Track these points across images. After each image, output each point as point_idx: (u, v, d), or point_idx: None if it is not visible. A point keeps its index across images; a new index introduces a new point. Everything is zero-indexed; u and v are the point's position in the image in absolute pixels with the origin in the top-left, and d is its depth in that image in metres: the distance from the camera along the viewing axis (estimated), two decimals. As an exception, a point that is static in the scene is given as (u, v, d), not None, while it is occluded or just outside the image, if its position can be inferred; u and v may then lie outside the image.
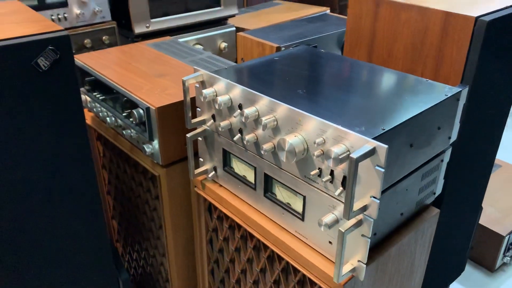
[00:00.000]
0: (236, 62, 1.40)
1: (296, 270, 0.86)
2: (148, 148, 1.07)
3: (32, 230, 0.92)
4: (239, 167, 0.95)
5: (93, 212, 0.99)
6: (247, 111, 0.81)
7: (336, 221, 0.75)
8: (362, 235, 0.72)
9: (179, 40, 1.54)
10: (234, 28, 1.81)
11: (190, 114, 0.94)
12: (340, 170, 0.71)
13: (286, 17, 1.96)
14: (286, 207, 0.85)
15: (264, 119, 0.78)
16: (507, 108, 1.25)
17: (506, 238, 1.67)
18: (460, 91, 0.83)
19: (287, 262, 0.88)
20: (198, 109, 0.97)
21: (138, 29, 1.55)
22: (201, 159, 1.03)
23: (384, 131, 0.69)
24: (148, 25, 1.56)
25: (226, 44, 1.79)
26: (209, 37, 1.75)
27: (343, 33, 1.47)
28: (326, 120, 0.71)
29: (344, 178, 0.71)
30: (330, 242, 0.79)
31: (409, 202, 0.86)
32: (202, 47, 1.73)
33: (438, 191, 0.95)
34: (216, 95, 0.90)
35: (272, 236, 0.89)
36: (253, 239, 0.96)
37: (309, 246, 0.84)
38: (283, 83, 0.88)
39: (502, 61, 1.10)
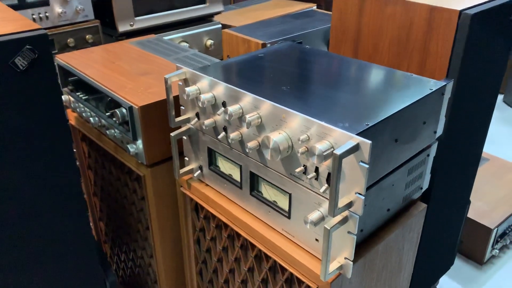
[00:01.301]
0: (222, 59, 1.38)
1: (283, 269, 0.85)
2: (132, 148, 1.05)
3: (16, 232, 0.90)
4: (224, 166, 0.94)
5: (77, 213, 0.97)
6: (231, 108, 0.80)
7: (322, 219, 0.74)
8: (348, 232, 0.72)
9: (164, 38, 1.52)
10: (220, 25, 1.79)
11: (173, 113, 0.93)
12: (325, 167, 0.70)
13: (273, 14, 1.95)
14: (272, 205, 0.84)
15: (248, 117, 0.77)
16: (493, 100, 1.26)
17: (494, 231, 1.67)
18: (445, 85, 0.83)
19: (275, 261, 0.87)
20: (182, 107, 0.95)
21: (122, 28, 1.52)
22: (186, 158, 1.02)
23: (368, 126, 0.68)
24: (132, 23, 1.54)
25: (212, 41, 1.77)
26: (194, 35, 1.73)
27: (329, 28, 1.46)
28: (310, 117, 0.70)
29: (329, 175, 0.70)
30: (316, 240, 0.78)
31: (396, 198, 0.86)
32: (188, 44, 1.72)
33: (425, 186, 0.94)
34: (200, 93, 0.88)
35: (259, 235, 0.88)
36: (240, 238, 0.95)
37: (296, 244, 0.83)
38: (268, 80, 0.87)
39: (486, 54, 1.10)
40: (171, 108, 0.92)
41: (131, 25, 1.54)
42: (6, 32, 0.82)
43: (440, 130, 0.88)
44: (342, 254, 0.75)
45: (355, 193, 0.68)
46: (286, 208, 0.82)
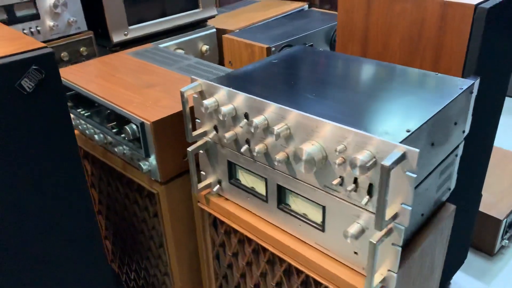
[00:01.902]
0: (222, 65, 1.34)
1: (317, 283, 0.82)
2: (144, 166, 1.00)
3: (25, 256, 0.85)
4: (246, 179, 0.90)
5: (90, 236, 0.92)
6: (256, 120, 0.76)
7: (362, 231, 0.71)
8: (393, 244, 0.68)
9: (159, 46, 1.47)
10: (214, 30, 1.75)
11: (190, 127, 0.88)
12: (365, 178, 0.67)
13: (266, 15, 1.91)
14: (304, 219, 0.81)
15: (276, 128, 0.73)
16: (504, 93, 1.24)
17: (504, 221, 1.67)
18: (473, 83, 0.80)
19: (307, 275, 0.84)
20: (197, 120, 0.91)
21: (116, 38, 1.47)
22: (203, 173, 0.98)
23: (410, 133, 0.65)
24: (126, 32, 1.48)
25: (207, 46, 1.73)
26: (189, 41, 1.68)
27: (331, 28, 1.43)
28: (346, 126, 0.66)
29: (370, 185, 0.67)
30: (355, 253, 0.75)
31: (429, 202, 0.83)
32: (183, 51, 1.67)
33: (453, 186, 0.92)
34: (218, 105, 0.84)
35: (289, 249, 0.84)
36: (266, 253, 0.91)
37: (331, 257, 0.79)
38: (289, 87, 0.83)
39: (500, 47, 1.08)
40: (188, 122, 0.88)
41: (125, 35, 1.49)
42: (9, 52, 0.77)
43: (467, 129, 0.86)
44: (384, 266, 0.71)
45: (401, 204, 0.64)
46: (319, 221, 0.79)
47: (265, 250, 0.91)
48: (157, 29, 1.57)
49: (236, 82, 0.87)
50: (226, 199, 0.96)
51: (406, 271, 0.81)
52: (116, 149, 1.07)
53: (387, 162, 0.59)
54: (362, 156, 0.63)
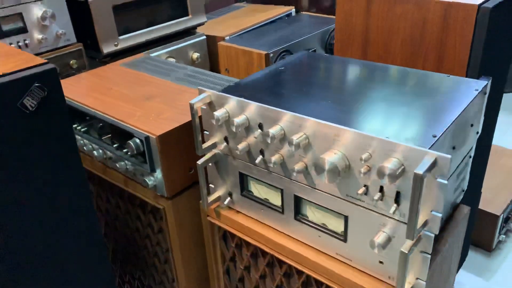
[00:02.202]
0: (218, 72, 1.31)
1: (340, 294, 0.80)
2: (150, 181, 0.97)
3: (35, 278, 0.81)
4: (259, 191, 0.87)
5: (98, 259, 0.89)
6: (272, 130, 0.74)
7: (389, 240, 0.69)
8: (421, 252, 0.67)
9: (151, 55, 1.43)
10: (204, 37, 1.72)
11: (200, 139, 0.85)
12: (392, 186, 0.65)
13: (255, 20, 1.89)
14: (323, 229, 0.79)
15: (295, 138, 0.71)
16: (501, 91, 1.25)
17: (501, 217, 1.69)
18: (487, 83, 0.80)
19: (327, 286, 0.82)
20: (205, 132, 0.88)
21: (107, 49, 1.42)
22: (211, 186, 0.95)
23: (437, 138, 0.64)
24: (116, 43, 1.44)
25: (198, 54, 1.70)
26: (180, 49, 1.65)
27: (325, 32, 1.42)
28: (369, 133, 0.65)
29: (398, 194, 0.65)
30: (380, 262, 0.73)
31: (447, 205, 0.82)
32: (174, 60, 1.63)
33: (465, 187, 0.92)
34: (229, 116, 0.81)
35: (308, 261, 0.82)
36: (282, 265, 0.89)
37: (354, 267, 0.77)
38: (302, 95, 0.81)
39: (499, 46, 1.08)
40: (198, 135, 0.85)
41: (116, 45, 1.45)
42: (8, 70, 0.72)
43: (480, 130, 0.86)
44: (413, 274, 0.70)
45: (431, 211, 0.63)
46: (340, 231, 0.77)
47: (280, 262, 0.89)
48: (148, 38, 1.54)
49: (246, 91, 0.84)
50: (237, 211, 0.94)
51: (429, 277, 0.80)
52: (117, 165, 1.03)
53: (420, 170, 0.57)
54: (390, 164, 0.62)
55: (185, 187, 1.00)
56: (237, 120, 0.78)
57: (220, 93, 0.81)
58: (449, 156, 0.58)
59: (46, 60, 0.76)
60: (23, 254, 0.78)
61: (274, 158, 0.77)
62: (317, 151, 0.72)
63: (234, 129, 0.79)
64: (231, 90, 0.85)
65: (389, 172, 0.62)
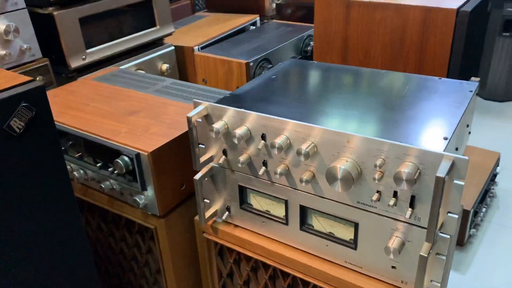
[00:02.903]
0: (194, 83, 1.28)
1: (350, 303, 0.79)
2: (141, 200, 0.92)
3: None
4: (259, 203, 0.85)
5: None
6: (279, 141, 0.72)
7: (403, 244, 0.69)
8: (437, 254, 0.67)
9: (121, 68, 1.38)
10: (173, 48, 1.68)
11: (198, 154, 0.82)
12: (406, 190, 0.65)
13: (221, 29, 1.87)
14: (332, 238, 0.77)
15: (304, 148, 0.69)
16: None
17: (471, 212, 1.75)
18: (478, 84, 0.82)
19: (337, 296, 0.80)
20: (201, 146, 0.85)
21: (75, 63, 1.35)
22: (207, 201, 0.91)
23: (448, 140, 0.64)
24: (84, 56, 1.38)
25: (167, 65, 1.65)
26: (149, 61, 1.60)
27: (299, 40, 1.42)
28: (383, 139, 0.64)
29: (412, 198, 0.65)
30: (393, 267, 0.73)
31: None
32: (144, 72, 1.58)
33: (457, 186, 0.93)
34: (228, 128, 0.79)
35: (316, 271, 0.81)
36: (286, 278, 0.87)
37: (365, 274, 0.77)
38: (302, 102, 0.80)
39: (474, 45, 1.13)
40: (195, 149, 0.82)
41: (84, 59, 1.38)
42: (-10, 89, 0.66)
43: (470, 129, 0.88)
44: (428, 277, 0.70)
45: (447, 213, 0.63)
46: (348, 239, 0.76)
47: (284, 274, 0.87)
48: (116, 51, 1.48)
49: (244, 102, 0.82)
50: (235, 226, 0.91)
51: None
52: (102, 185, 0.98)
53: (441, 174, 0.57)
54: (407, 169, 0.62)
55: (176, 204, 0.96)
56: (239, 131, 0.76)
57: (218, 105, 0.78)
58: (466, 158, 0.59)
59: (31, 78, 0.70)
60: (10, 271, 0.71)
61: (280, 168, 0.75)
62: (325, 159, 0.71)
63: (236, 141, 0.76)
64: (227, 101, 0.82)
65: (407, 177, 0.61)
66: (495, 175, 2.00)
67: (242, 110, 0.76)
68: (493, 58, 2.77)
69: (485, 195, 1.93)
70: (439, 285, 0.69)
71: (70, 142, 1.01)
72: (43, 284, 0.74)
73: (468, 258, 1.77)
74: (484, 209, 1.92)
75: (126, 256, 1.11)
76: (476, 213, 1.86)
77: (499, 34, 2.68)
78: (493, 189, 2.02)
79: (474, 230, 1.83)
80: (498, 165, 2.02)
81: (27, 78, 0.70)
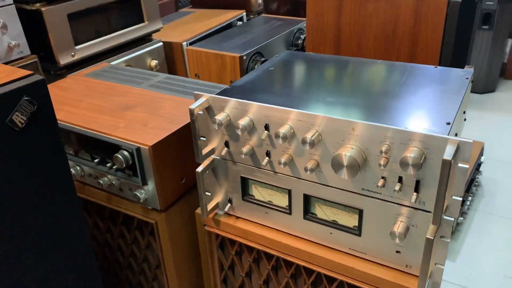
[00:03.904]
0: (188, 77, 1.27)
1: (354, 289, 0.80)
2: (141, 194, 0.92)
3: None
4: (261, 193, 0.85)
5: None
6: (283, 130, 0.73)
7: (407, 229, 0.70)
8: (441, 237, 0.69)
9: (112, 64, 1.36)
10: (161, 43, 1.67)
11: (200, 146, 0.82)
12: (411, 175, 0.67)
13: (209, 25, 1.87)
14: (336, 226, 0.78)
15: (309, 136, 0.70)
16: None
17: (459, 200, 1.79)
18: (473, 72, 0.84)
19: (341, 282, 0.81)
20: (202, 138, 0.85)
21: (64, 60, 1.33)
22: (208, 193, 0.91)
23: (451, 125, 0.66)
24: (73, 53, 1.36)
25: (156, 61, 1.64)
26: (138, 57, 1.59)
27: (290, 33, 1.43)
28: (389, 125, 0.65)
29: (417, 182, 0.67)
30: (397, 252, 0.74)
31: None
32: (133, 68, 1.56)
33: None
34: (230, 120, 0.79)
35: (320, 259, 0.81)
36: (289, 268, 0.87)
37: (369, 260, 0.78)
38: (303, 93, 0.81)
39: (463, 35, 1.15)
40: (197, 141, 0.81)
41: (73, 56, 1.36)
42: (-9, 84, 0.65)
43: (465, 116, 0.90)
44: (432, 260, 0.72)
45: (452, 196, 0.65)
46: (352, 225, 0.77)
47: (287, 264, 0.88)
48: (105, 47, 1.46)
49: (244, 93, 0.82)
50: (237, 217, 0.91)
51: (436, 262, 0.82)
52: (100, 181, 0.97)
53: (448, 157, 0.59)
54: (412, 154, 0.63)
55: (177, 198, 0.96)
56: (242, 122, 0.76)
57: (220, 96, 0.79)
58: (470, 140, 0.60)
59: (32, 72, 0.69)
60: (10, 268, 0.70)
61: (284, 158, 0.76)
62: (329, 147, 0.72)
63: (239, 132, 0.76)
64: (228, 93, 0.82)
65: (413, 162, 0.63)
66: (479, 165, 2.05)
67: (245, 101, 0.77)
68: (473, 51, 2.83)
69: (471, 184, 1.97)
70: (443, 267, 0.71)
71: (66, 139, 0.99)
72: (44, 281, 0.73)
73: (457, 246, 1.81)
74: (470, 198, 1.96)
75: (124, 252, 1.10)
76: (463, 202, 1.90)
77: (478, 28, 2.74)
78: (478, 178, 2.06)
79: (461, 218, 1.87)
80: (482, 155, 2.06)
81: (27, 72, 0.69)
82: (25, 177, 0.68)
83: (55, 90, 1.13)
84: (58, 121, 0.97)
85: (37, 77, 0.68)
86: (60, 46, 1.32)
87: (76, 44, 1.37)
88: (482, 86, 2.93)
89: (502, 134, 2.51)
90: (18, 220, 0.68)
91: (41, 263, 0.73)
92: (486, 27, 2.73)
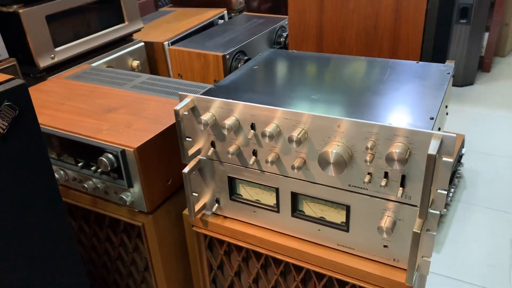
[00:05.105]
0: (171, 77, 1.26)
1: (343, 284, 0.81)
2: (127, 197, 0.91)
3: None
4: (249, 192, 0.86)
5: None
6: (269, 129, 0.73)
7: (394, 223, 0.71)
8: (427, 230, 0.70)
9: (93, 65, 1.35)
10: (142, 44, 1.65)
11: (186, 147, 0.82)
12: (396, 171, 0.68)
13: (190, 24, 1.86)
14: (324, 223, 0.79)
15: (295, 134, 0.70)
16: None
17: (442, 192, 1.82)
18: (454, 67, 0.85)
19: (330, 278, 0.82)
20: (188, 139, 0.85)
21: (43, 62, 1.31)
22: (195, 194, 0.91)
23: (434, 120, 0.67)
24: (53, 55, 1.33)
25: (138, 62, 1.62)
26: (119, 57, 1.57)
27: (271, 31, 1.43)
28: (374, 121, 0.66)
29: (403, 177, 0.67)
30: (385, 246, 0.75)
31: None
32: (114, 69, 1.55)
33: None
34: (216, 120, 0.79)
35: (309, 255, 0.82)
36: (278, 266, 0.88)
37: (357, 256, 0.79)
38: (288, 91, 0.81)
39: (444, 31, 1.17)
40: (184, 142, 0.81)
41: (52, 58, 1.34)
42: (-31, 89, 0.64)
43: (447, 110, 0.91)
44: (419, 253, 0.73)
45: (437, 190, 0.66)
46: (339, 221, 0.78)
47: (276, 262, 0.88)
48: (85, 49, 1.44)
49: (229, 93, 0.82)
50: (225, 217, 0.91)
51: (422, 254, 0.84)
52: (85, 185, 0.96)
53: (433, 151, 0.60)
54: (398, 149, 0.64)
55: (163, 199, 0.96)
56: (228, 122, 0.76)
57: (205, 97, 0.78)
58: (454, 135, 0.61)
59: (12, 76, 0.68)
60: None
61: (270, 157, 0.76)
62: (316, 145, 0.72)
63: (225, 132, 0.76)
64: (213, 92, 0.82)
65: (398, 157, 0.63)
66: (461, 157, 2.09)
67: (230, 100, 0.76)
68: (451, 45, 2.88)
69: (453, 176, 2.01)
70: (430, 260, 0.72)
71: (49, 143, 0.98)
72: (30, 287, 0.72)
73: (441, 237, 1.84)
74: (452, 189, 1.99)
75: (111, 256, 1.09)
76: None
77: (456, 22, 2.78)
78: (460, 170, 2.10)
79: (444, 210, 1.90)
80: (463, 147, 2.10)
81: (8, 76, 0.68)
82: (9, 182, 0.67)
83: (35, 93, 1.11)
84: (40, 125, 0.96)
85: (18, 81, 0.67)
86: (39, 48, 1.29)
87: (56, 46, 1.35)
88: (461, 79, 2.98)
89: (482, 126, 2.56)
90: (2, 226, 0.67)
91: (26, 269, 0.71)
92: (464, 21, 2.78)
